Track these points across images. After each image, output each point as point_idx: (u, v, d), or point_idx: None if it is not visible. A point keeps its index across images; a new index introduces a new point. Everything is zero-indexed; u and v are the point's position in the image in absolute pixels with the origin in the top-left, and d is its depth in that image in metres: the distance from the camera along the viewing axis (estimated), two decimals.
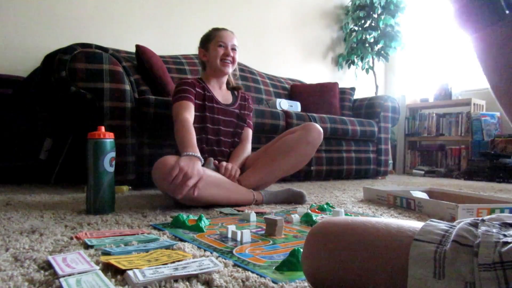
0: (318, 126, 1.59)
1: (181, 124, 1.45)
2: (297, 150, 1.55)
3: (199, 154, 1.31)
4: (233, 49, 1.69)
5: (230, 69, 1.69)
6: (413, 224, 0.48)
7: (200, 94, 1.64)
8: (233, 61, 1.69)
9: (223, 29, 1.72)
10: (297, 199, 1.56)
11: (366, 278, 0.47)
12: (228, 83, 1.80)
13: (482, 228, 0.42)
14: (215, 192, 1.35)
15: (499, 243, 0.39)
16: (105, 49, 1.95)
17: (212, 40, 1.68)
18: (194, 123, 1.52)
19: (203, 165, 1.39)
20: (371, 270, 0.46)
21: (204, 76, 1.74)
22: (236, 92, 1.81)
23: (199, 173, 1.23)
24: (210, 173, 1.37)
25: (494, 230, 0.41)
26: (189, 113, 1.52)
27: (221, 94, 1.74)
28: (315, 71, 4.04)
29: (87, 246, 0.80)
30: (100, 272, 0.62)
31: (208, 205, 1.36)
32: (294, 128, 1.66)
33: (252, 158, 1.67)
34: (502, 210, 1.22)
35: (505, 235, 0.40)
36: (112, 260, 0.67)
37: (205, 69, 1.75)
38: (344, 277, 0.49)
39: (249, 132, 1.79)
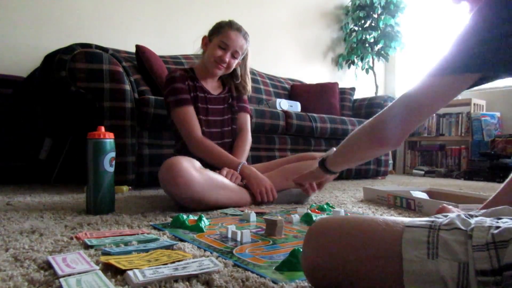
0: None
1: (208, 147, 1.51)
2: None
3: (241, 161, 1.51)
4: (234, 56, 1.58)
5: (220, 73, 1.62)
6: (409, 218, 0.50)
7: (190, 85, 1.59)
8: (227, 67, 1.59)
9: (236, 29, 1.57)
10: (301, 198, 1.56)
11: (362, 268, 0.48)
12: (235, 76, 1.70)
13: (475, 218, 0.45)
14: (220, 194, 1.34)
15: (492, 227, 0.42)
16: (105, 49, 1.95)
17: (218, 34, 1.56)
18: None
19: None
20: (367, 258, 0.47)
21: (197, 67, 1.67)
22: (226, 81, 1.72)
23: (266, 181, 1.45)
24: (214, 175, 1.35)
25: (487, 219, 0.44)
26: (198, 126, 1.53)
27: (211, 85, 1.67)
28: (315, 71, 4.04)
29: (87, 246, 0.80)
30: (100, 272, 0.62)
31: (210, 208, 1.35)
32: (314, 153, 1.67)
33: (265, 167, 1.65)
34: None
35: (497, 222, 0.43)
36: (112, 260, 0.67)
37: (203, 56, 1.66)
38: (341, 271, 0.50)
39: (247, 119, 1.74)
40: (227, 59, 1.56)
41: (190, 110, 1.54)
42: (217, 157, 1.50)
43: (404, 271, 0.43)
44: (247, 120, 1.74)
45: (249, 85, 1.72)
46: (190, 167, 1.26)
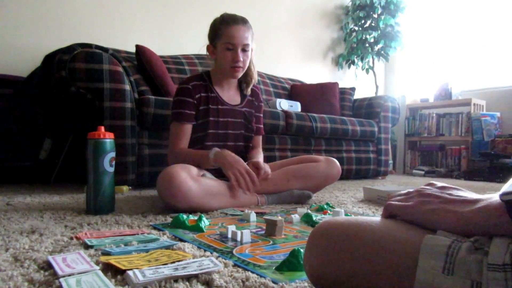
0: (339, 164, 1.64)
1: (182, 154, 1.44)
2: (314, 180, 1.58)
3: (214, 149, 1.40)
4: (244, 50, 1.46)
5: (240, 73, 1.51)
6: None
7: (203, 97, 1.50)
8: (243, 65, 1.48)
9: (233, 22, 1.45)
10: (303, 199, 1.56)
11: (371, 278, 0.45)
12: (248, 79, 1.60)
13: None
14: (219, 201, 1.33)
15: (511, 245, 0.38)
16: (105, 49, 1.95)
17: (220, 37, 1.46)
18: (200, 131, 1.51)
19: (203, 175, 1.38)
20: (377, 269, 0.45)
21: (213, 71, 1.57)
22: (245, 89, 1.62)
23: (242, 163, 1.36)
24: (212, 183, 1.33)
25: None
26: (184, 142, 1.49)
27: (228, 93, 1.58)
28: (315, 71, 4.03)
29: (87, 246, 0.80)
30: (100, 272, 0.62)
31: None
32: (317, 156, 1.66)
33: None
34: None
35: None
36: (112, 260, 0.67)
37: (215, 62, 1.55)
38: (348, 278, 0.47)
39: (260, 140, 1.71)
40: (240, 58, 1.45)
41: (185, 127, 1.48)
42: (192, 158, 1.42)
43: (416, 280, 0.41)
44: (260, 140, 1.71)
45: (255, 73, 1.61)
46: (187, 177, 1.24)
